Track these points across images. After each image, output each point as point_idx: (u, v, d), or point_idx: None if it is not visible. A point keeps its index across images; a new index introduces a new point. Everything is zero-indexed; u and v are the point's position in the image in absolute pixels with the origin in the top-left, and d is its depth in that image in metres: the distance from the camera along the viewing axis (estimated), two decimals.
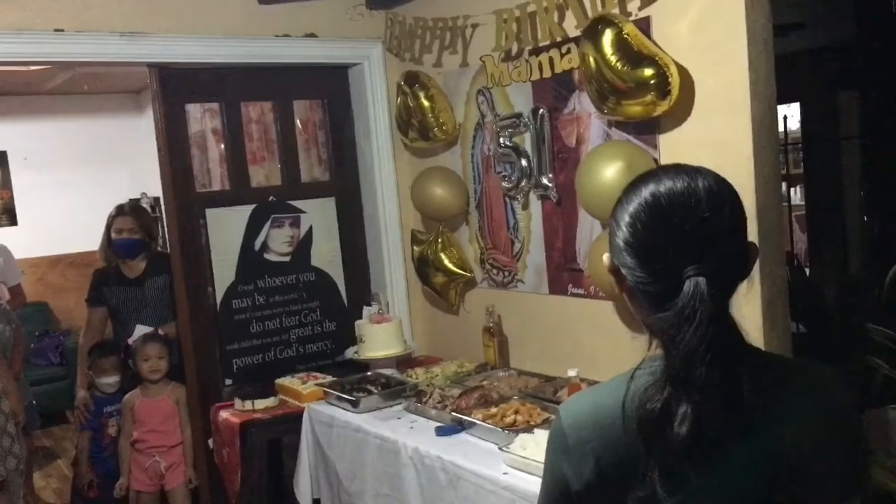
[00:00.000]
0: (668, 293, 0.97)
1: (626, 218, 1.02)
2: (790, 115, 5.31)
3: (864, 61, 4.35)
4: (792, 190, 6.03)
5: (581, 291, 2.77)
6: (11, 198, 6.33)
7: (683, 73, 2.22)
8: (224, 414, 3.02)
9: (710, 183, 1.00)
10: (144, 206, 5.59)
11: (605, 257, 1.10)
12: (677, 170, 1.03)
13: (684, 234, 0.97)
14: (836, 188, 4.97)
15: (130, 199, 4.74)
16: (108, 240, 3.69)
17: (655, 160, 2.36)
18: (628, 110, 2.30)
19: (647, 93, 2.21)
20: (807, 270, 5.06)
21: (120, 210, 3.74)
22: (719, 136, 2.20)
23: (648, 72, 2.19)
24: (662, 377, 0.97)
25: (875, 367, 2.87)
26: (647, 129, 2.39)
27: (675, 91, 2.18)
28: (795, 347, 2.35)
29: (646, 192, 1.01)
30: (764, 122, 2.19)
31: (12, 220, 6.27)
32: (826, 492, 1.03)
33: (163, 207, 4.31)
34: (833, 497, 1.04)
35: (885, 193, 4.46)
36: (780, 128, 4.91)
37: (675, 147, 2.34)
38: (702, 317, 0.93)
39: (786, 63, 2.28)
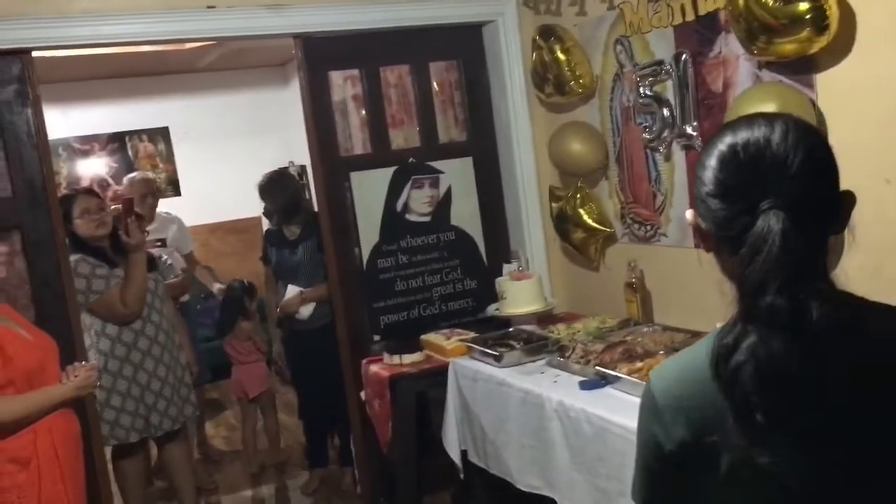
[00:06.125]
0: (745, 236, 0.96)
1: (707, 171, 1.02)
2: None
3: None
4: None
5: None
6: (175, 170, 6.80)
7: (843, 5, 2.06)
8: (374, 368, 3.16)
9: (788, 126, 0.99)
10: (292, 173, 5.89)
11: (689, 213, 1.09)
12: (752, 119, 1.02)
13: (761, 173, 0.97)
14: None
15: (279, 168, 4.97)
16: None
17: (812, 101, 2.21)
18: (781, 49, 2.16)
19: (803, 28, 2.06)
20: None
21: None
22: (885, 72, 2.03)
23: (803, 6, 2.04)
24: (737, 316, 0.96)
25: None
26: (803, 68, 2.23)
27: (833, 25, 2.02)
28: None
29: (721, 144, 1.02)
30: None
31: (176, 191, 6.74)
32: (886, 451, 0.95)
33: (309, 174, 4.53)
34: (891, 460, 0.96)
35: None
36: None
37: (834, 86, 2.18)
38: (770, 247, 0.92)
39: None
